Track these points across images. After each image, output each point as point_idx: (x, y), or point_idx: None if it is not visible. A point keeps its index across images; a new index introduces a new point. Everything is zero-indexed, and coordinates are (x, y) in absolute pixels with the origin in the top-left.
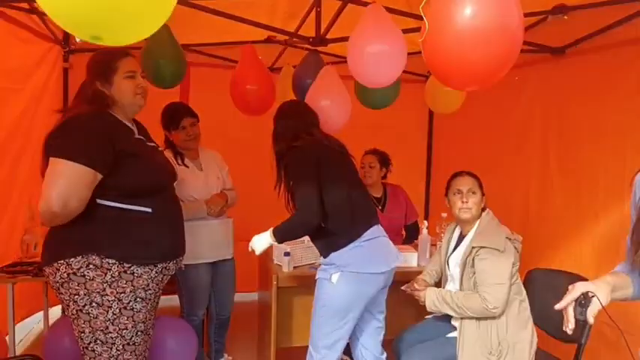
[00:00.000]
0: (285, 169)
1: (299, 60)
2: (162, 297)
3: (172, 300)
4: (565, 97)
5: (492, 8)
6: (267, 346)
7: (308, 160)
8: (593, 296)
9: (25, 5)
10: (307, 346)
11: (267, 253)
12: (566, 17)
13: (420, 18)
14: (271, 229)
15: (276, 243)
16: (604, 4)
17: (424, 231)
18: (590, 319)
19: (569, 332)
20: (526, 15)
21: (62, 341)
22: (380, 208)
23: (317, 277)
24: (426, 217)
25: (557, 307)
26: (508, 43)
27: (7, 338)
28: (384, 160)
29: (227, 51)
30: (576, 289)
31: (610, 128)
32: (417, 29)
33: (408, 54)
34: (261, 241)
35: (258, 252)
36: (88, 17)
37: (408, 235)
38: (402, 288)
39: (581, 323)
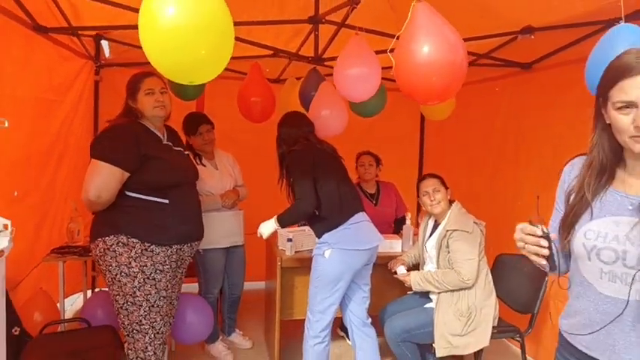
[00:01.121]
0: (287, 168)
1: (302, 72)
2: (185, 284)
3: (193, 288)
4: (531, 106)
5: (442, 48)
6: (272, 319)
7: (305, 162)
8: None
9: (66, 26)
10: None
11: (274, 242)
12: (533, 37)
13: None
14: (275, 216)
15: (279, 228)
16: (564, 27)
17: (407, 222)
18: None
19: (548, 270)
20: (500, 35)
21: (95, 310)
22: (374, 202)
23: (313, 254)
24: (418, 212)
25: None
26: (455, 72)
27: (58, 305)
28: (378, 160)
29: (239, 64)
30: (538, 231)
31: (565, 132)
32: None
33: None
34: (268, 227)
35: (265, 236)
36: (187, 69)
37: (396, 228)
38: (390, 266)
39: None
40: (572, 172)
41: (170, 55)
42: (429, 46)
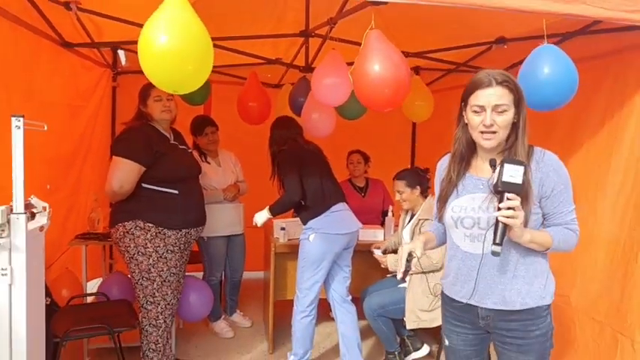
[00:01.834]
0: (278, 165)
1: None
2: (190, 272)
3: (198, 275)
4: None
5: (389, 67)
6: (268, 300)
7: (292, 160)
8: (412, 252)
9: (88, 41)
10: None
11: (270, 232)
12: (505, 46)
13: None
14: (268, 206)
15: (271, 216)
16: (531, 38)
17: (389, 214)
18: (411, 267)
19: (399, 278)
20: (476, 44)
21: (113, 287)
22: (362, 195)
23: (299, 238)
24: None
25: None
26: (400, 85)
27: (81, 283)
28: (366, 158)
29: (242, 71)
30: (404, 251)
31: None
32: None
33: None
34: (262, 216)
35: (259, 224)
36: (173, 81)
37: (383, 220)
38: (371, 249)
39: (408, 270)
40: (442, 165)
41: (162, 72)
42: (379, 65)
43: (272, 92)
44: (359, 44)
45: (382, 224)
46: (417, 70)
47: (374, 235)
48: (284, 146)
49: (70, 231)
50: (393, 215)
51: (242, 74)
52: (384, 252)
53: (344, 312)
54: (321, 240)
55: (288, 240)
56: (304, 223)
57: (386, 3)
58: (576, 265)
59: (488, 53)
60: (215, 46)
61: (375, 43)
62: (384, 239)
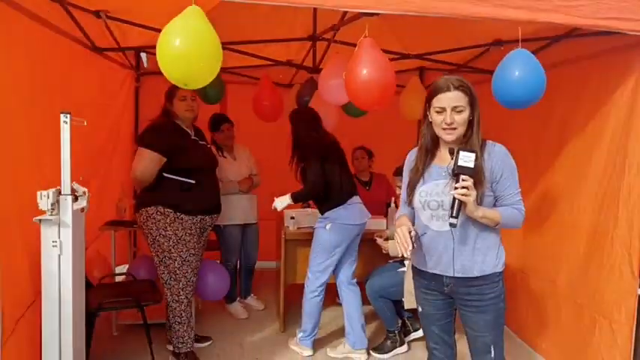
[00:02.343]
0: (300, 155)
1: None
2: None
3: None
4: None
5: (376, 70)
6: (279, 283)
7: (316, 151)
8: (411, 229)
9: (115, 46)
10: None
11: (281, 223)
12: (502, 48)
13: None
14: (289, 193)
15: (292, 202)
16: (527, 40)
17: (392, 205)
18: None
19: (407, 255)
20: (475, 47)
21: (139, 269)
22: (367, 188)
23: (315, 226)
24: None
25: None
26: (385, 87)
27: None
28: (370, 154)
29: (257, 72)
30: (404, 232)
31: (525, 133)
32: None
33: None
34: (283, 201)
35: (279, 208)
36: (184, 77)
37: (386, 211)
38: (374, 237)
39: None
40: (411, 157)
41: (177, 71)
42: (367, 69)
43: (284, 91)
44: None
45: (385, 215)
46: (422, 70)
47: (378, 224)
48: (308, 135)
49: (99, 219)
50: (395, 206)
51: (257, 75)
52: (386, 239)
53: (349, 293)
54: (338, 229)
55: (297, 228)
56: (322, 212)
57: (377, 15)
58: (562, 253)
59: (486, 54)
60: (232, 50)
61: (367, 50)
62: (387, 228)
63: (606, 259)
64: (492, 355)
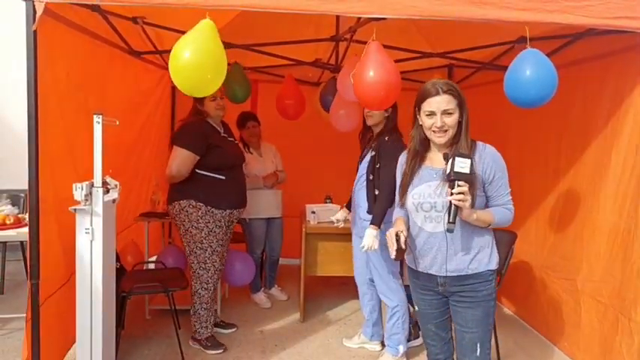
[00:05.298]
0: (382, 152)
1: None
2: (236, 249)
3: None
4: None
5: (382, 72)
6: (299, 275)
7: (397, 155)
8: (399, 232)
9: (151, 49)
10: (326, 276)
11: (304, 220)
12: (527, 45)
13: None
14: (369, 225)
15: (377, 230)
16: (546, 38)
17: None
18: (402, 246)
19: (392, 257)
20: (500, 44)
21: (168, 257)
22: None
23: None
24: None
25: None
26: (391, 88)
27: (144, 252)
28: None
29: (285, 71)
30: (391, 234)
31: (547, 133)
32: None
33: (406, 72)
34: (367, 237)
35: (371, 245)
36: (191, 87)
37: None
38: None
39: (400, 248)
40: (402, 159)
41: (186, 81)
42: (374, 71)
43: (313, 90)
44: (387, 47)
45: None
46: (450, 68)
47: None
48: (393, 132)
49: (128, 210)
50: None
51: (283, 73)
52: None
53: (372, 288)
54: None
55: (318, 222)
56: (371, 213)
57: (385, 19)
58: (582, 252)
59: (511, 52)
60: (261, 52)
61: (374, 53)
62: None
63: (628, 258)
64: (478, 353)
